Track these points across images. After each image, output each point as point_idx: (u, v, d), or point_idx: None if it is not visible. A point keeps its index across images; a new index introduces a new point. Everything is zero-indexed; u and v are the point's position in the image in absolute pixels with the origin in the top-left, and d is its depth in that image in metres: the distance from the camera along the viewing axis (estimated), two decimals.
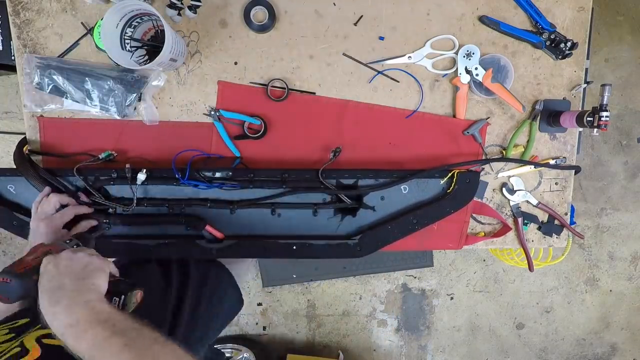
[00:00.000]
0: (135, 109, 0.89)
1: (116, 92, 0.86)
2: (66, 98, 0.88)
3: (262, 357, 1.84)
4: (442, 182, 0.90)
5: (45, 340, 0.56)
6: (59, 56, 0.88)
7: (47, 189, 0.81)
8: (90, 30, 0.87)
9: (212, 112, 0.90)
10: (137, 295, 0.61)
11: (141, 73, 0.88)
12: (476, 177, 0.90)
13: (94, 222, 0.82)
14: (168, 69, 0.89)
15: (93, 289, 0.56)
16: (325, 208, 0.89)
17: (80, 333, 0.49)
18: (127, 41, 0.81)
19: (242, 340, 1.99)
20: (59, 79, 0.86)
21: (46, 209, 0.77)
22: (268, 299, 2.05)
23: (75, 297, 0.53)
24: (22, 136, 0.91)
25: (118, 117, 0.89)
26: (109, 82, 0.86)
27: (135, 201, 0.83)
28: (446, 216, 0.90)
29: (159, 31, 0.87)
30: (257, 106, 0.92)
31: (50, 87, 0.86)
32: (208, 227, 0.86)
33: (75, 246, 0.68)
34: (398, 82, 0.93)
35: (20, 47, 0.88)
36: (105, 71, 0.87)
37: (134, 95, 0.87)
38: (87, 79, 0.86)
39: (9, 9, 0.87)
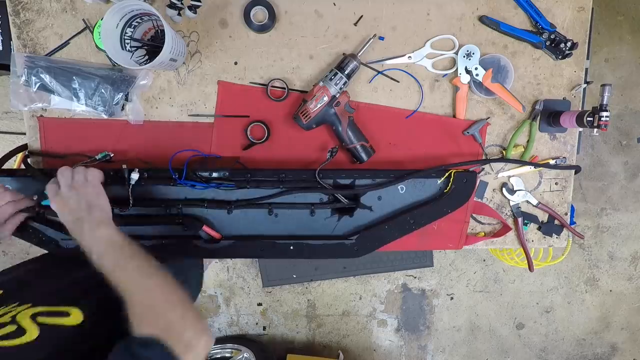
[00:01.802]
0: (123, 108, 0.89)
1: (103, 91, 0.87)
2: (54, 96, 0.88)
3: (262, 357, 1.84)
4: (439, 181, 0.90)
5: (40, 319, 0.57)
6: (47, 54, 0.88)
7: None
8: (84, 29, 0.87)
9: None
10: None
11: (129, 73, 0.88)
12: (473, 176, 0.90)
13: (27, 215, 0.81)
14: (168, 69, 0.89)
15: (104, 213, 0.72)
16: (323, 208, 0.89)
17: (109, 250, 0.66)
18: (127, 41, 0.81)
19: (242, 340, 1.99)
20: (47, 78, 0.86)
21: None
22: (268, 299, 2.06)
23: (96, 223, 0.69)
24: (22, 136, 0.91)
25: (105, 116, 0.89)
26: (96, 81, 0.86)
27: (131, 202, 0.83)
28: (444, 216, 0.90)
29: (159, 31, 0.87)
30: (257, 106, 0.92)
31: (37, 85, 0.86)
32: (205, 228, 0.86)
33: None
34: (398, 82, 0.93)
35: (20, 47, 0.88)
36: (93, 70, 0.87)
37: (121, 94, 0.87)
38: (74, 77, 0.86)
39: (9, 9, 0.87)
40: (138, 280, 0.62)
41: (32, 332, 0.55)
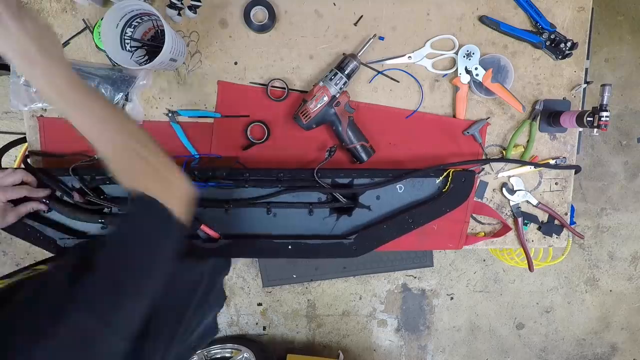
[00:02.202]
0: (123, 108, 0.89)
1: (103, 91, 0.87)
2: None
3: (262, 357, 1.84)
4: (437, 181, 0.90)
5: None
6: None
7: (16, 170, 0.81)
8: (84, 29, 0.87)
9: (170, 114, 0.90)
10: None
11: (129, 73, 0.88)
12: (471, 176, 0.90)
13: (41, 207, 0.83)
14: (168, 69, 0.89)
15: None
16: (321, 207, 0.89)
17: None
18: (127, 41, 0.81)
19: (242, 340, 1.99)
20: None
21: (7, 180, 0.78)
22: (268, 299, 2.06)
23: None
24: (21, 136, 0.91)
25: None
26: (96, 81, 0.86)
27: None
28: (442, 215, 0.90)
29: (159, 31, 0.87)
30: (257, 106, 0.92)
31: None
32: (203, 227, 0.86)
33: None
34: (398, 82, 0.93)
35: None
36: (93, 70, 0.87)
37: (121, 94, 0.87)
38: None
39: None
40: (121, 131, 0.58)
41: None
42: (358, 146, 0.89)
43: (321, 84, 0.86)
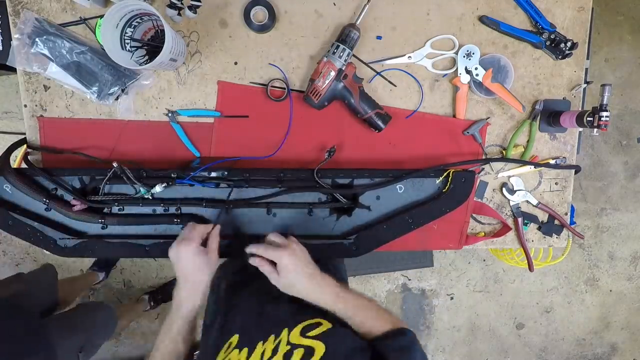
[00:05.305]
0: (117, 99, 0.89)
1: (106, 75, 0.86)
2: (52, 64, 0.86)
3: None
4: (437, 181, 0.90)
5: (310, 334, 0.58)
6: (60, 25, 0.87)
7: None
8: (85, 20, 0.87)
9: (170, 114, 0.90)
10: None
11: (133, 69, 0.87)
12: (471, 176, 0.90)
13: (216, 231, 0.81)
14: (168, 69, 0.89)
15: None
16: (321, 208, 0.89)
17: (343, 298, 0.69)
18: (127, 41, 0.81)
19: None
20: (50, 44, 0.85)
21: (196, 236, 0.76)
22: None
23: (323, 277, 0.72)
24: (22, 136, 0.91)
25: (95, 100, 0.88)
26: (101, 65, 0.86)
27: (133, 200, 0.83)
28: (442, 215, 0.90)
29: (159, 31, 0.87)
30: (257, 106, 0.92)
31: (39, 48, 0.85)
32: None
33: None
34: (395, 86, 0.93)
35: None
36: (101, 53, 0.86)
37: (119, 86, 0.87)
38: (82, 54, 0.86)
39: (9, 9, 0.87)
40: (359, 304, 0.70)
41: (319, 346, 0.55)
42: (373, 115, 0.88)
43: (325, 59, 0.85)
